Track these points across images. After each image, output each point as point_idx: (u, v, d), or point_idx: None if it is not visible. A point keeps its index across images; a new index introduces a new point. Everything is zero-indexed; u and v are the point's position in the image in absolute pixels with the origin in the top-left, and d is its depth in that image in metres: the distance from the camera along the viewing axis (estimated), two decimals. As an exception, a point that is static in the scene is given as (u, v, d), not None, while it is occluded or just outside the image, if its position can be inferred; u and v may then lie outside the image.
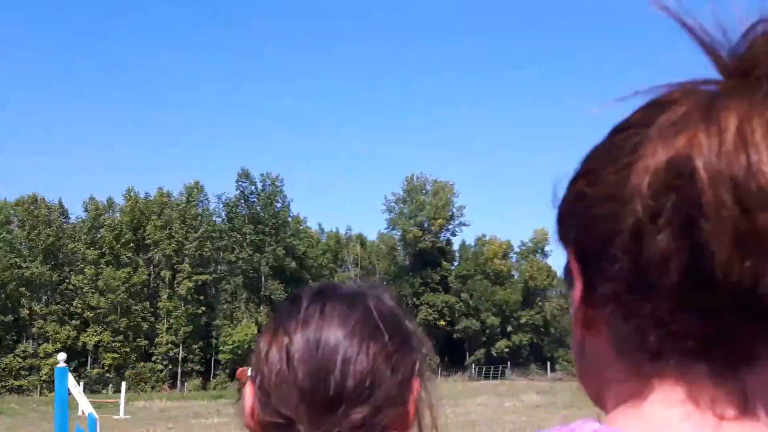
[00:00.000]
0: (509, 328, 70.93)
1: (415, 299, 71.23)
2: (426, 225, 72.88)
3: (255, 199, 69.85)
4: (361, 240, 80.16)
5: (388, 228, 77.16)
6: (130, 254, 65.02)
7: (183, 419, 23.86)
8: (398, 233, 74.90)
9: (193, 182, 70.71)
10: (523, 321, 71.14)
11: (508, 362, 69.23)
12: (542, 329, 73.85)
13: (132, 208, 67.26)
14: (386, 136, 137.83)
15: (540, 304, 73.35)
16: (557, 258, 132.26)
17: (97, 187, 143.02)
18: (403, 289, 72.53)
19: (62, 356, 11.10)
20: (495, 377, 64.00)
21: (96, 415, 12.78)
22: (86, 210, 69.76)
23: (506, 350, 70.55)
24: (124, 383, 28.31)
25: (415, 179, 75.73)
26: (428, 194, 74.87)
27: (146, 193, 70.11)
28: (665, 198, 0.39)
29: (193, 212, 67.70)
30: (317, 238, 78.80)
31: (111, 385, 57.37)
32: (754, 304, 0.37)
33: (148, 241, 65.62)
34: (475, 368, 68.32)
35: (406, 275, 73.51)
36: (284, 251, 67.46)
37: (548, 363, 67.68)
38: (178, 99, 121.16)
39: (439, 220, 72.83)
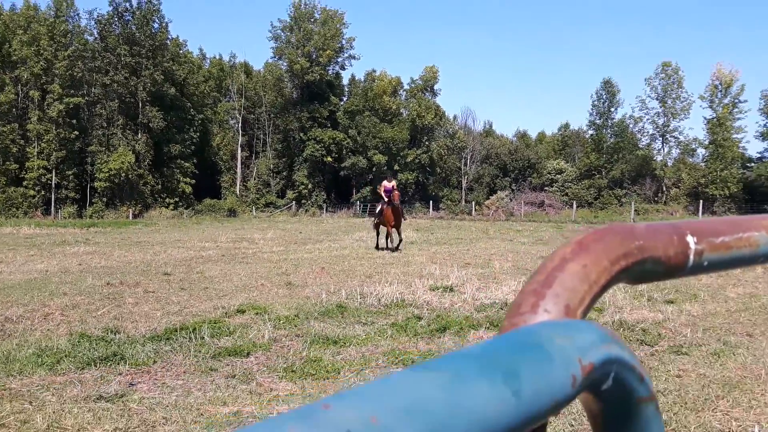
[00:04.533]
0: (396, 167, 71.55)
1: (302, 134, 70.07)
2: (314, 56, 70.22)
3: (130, 18, 64.61)
4: (246, 69, 76.79)
5: (274, 57, 73.70)
6: (-6, 71, 60.24)
7: (48, 247, 22.73)
8: (285, 63, 71.89)
9: (62, -5, 65.07)
10: (409, 159, 71.70)
11: (393, 200, 70.18)
12: (428, 168, 74.89)
13: (-6, 20, 61.44)
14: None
15: (427, 143, 73.88)
16: (446, 97, 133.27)
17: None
18: (290, 123, 71.06)
19: None
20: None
21: None
22: (-57, 21, 63.56)
23: (392, 188, 71.39)
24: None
25: (303, 5, 71.73)
26: (317, 23, 71.53)
27: (12, 5, 64.48)
28: None
29: (62, 28, 62.51)
30: (199, 64, 74.89)
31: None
32: None
33: (15, 57, 60.74)
34: (360, 205, 69.18)
35: (293, 108, 71.62)
36: (163, 76, 63.76)
37: (431, 202, 69.19)
38: None
39: (327, 51, 70.09)
